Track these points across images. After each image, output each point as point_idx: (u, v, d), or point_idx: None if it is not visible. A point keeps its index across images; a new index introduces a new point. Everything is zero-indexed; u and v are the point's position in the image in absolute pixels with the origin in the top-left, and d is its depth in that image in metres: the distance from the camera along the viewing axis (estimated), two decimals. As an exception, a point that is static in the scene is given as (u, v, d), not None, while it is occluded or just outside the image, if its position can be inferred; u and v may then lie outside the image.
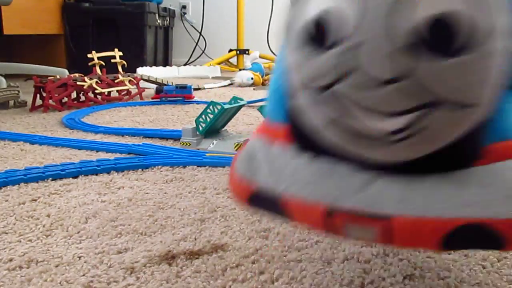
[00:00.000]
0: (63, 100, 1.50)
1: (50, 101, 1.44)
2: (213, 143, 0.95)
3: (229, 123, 1.08)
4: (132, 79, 1.67)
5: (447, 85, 0.25)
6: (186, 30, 3.77)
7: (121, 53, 1.71)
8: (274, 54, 3.43)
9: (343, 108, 0.27)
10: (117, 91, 1.62)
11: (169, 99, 1.60)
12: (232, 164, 0.35)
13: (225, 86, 2.23)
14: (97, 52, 1.63)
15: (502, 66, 0.26)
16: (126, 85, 1.62)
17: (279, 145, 0.33)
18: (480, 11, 0.24)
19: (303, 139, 0.32)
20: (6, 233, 0.55)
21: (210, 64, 3.01)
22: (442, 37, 0.24)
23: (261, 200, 0.33)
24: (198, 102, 1.64)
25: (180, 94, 1.61)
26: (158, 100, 1.61)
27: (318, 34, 0.26)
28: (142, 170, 0.81)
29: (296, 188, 0.31)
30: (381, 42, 0.24)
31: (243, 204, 0.35)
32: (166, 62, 3.29)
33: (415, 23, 0.24)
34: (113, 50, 1.71)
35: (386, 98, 0.25)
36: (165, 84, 1.87)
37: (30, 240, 0.53)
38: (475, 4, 0.24)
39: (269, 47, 3.48)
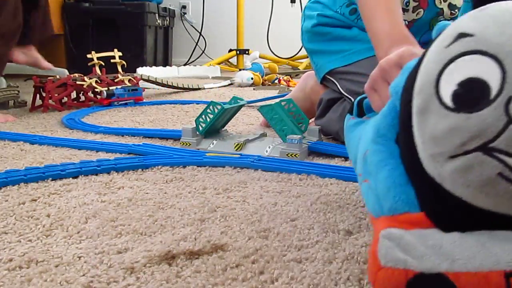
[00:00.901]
0: (63, 100, 1.50)
1: (50, 101, 1.44)
2: (213, 143, 0.96)
3: (229, 123, 1.08)
4: (132, 78, 1.67)
5: None
6: (186, 30, 3.77)
7: (120, 53, 1.71)
8: (274, 54, 3.44)
9: (503, 160, 0.28)
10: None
11: (120, 102, 1.52)
12: (372, 260, 0.35)
13: (225, 86, 2.23)
14: (97, 52, 1.63)
15: None
16: (126, 83, 1.62)
17: (419, 231, 0.34)
18: None
19: (447, 218, 0.33)
20: (6, 233, 0.55)
21: (210, 64, 3.01)
22: None
23: (424, 283, 0.33)
24: (198, 102, 1.64)
25: (131, 96, 1.55)
26: (109, 105, 1.50)
27: (467, 100, 0.29)
28: (142, 170, 0.81)
29: (462, 261, 0.31)
30: None
31: None
32: (166, 62, 3.29)
33: None
34: (112, 50, 1.71)
35: None
36: (163, 84, 1.87)
37: (30, 240, 0.53)
38: None
39: (269, 47, 3.48)
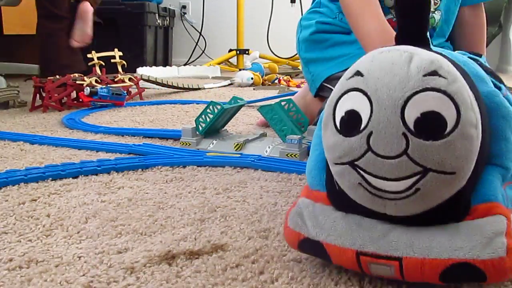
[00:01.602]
0: (63, 100, 1.50)
1: (50, 101, 1.44)
2: (213, 143, 0.96)
3: (229, 123, 1.08)
4: (133, 78, 1.67)
5: (431, 159, 0.37)
6: (186, 30, 3.77)
7: (121, 53, 1.71)
8: (274, 54, 3.44)
9: (362, 175, 0.39)
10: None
11: (99, 104, 1.46)
12: (286, 217, 0.47)
13: (225, 86, 2.23)
14: (97, 52, 1.63)
15: (474, 147, 0.38)
16: (126, 83, 1.62)
17: (320, 205, 0.45)
18: (453, 110, 0.37)
19: (337, 201, 0.44)
20: (6, 233, 0.55)
21: (210, 64, 3.01)
22: (428, 128, 0.37)
23: (308, 245, 0.44)
24: (198, 102, 1.64)
25: (113, 100, 1.49)
26: (87, 105, 1.45)
27: (346, 126, 0.40)
28: (142, 170, 0.81)
29: (333, 237, 0.42)
30: (386, 131, 0.37)
31: (294, 248, 0.46)
32: (166, 62, 3.29)
33: (410, 119, 0.37)
34: (113, 50, 1.71)
35: (390, 169, 0.38)
36: (163, 84, 1.87)
37: (30, 240, 0.53)
38: (450, 106, 0.37)
39: (269, 47, 3.48)
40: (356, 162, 0.39)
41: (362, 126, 0.38)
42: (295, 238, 0.45)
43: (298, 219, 0.45)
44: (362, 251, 0.41)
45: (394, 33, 0.74)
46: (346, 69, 1.09)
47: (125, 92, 1.49)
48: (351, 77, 0.40)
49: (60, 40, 1.85)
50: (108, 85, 1.44)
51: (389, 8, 0.99)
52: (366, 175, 0.39)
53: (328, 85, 1.03)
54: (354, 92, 0.39)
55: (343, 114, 0.40)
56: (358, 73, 0.40)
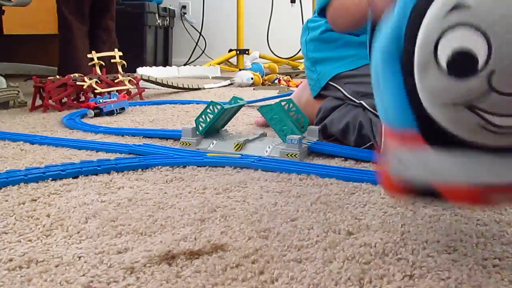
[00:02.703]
0: (63, 100, 1.50)
1: (50, 101, 1.44)
2: (213, 143, 0.96)
3: (229, 123, 1.08)
4: (132, 79, 1.67)
5: None
6: (186, 30, 3.77)
7: (121, 53, 1.71)
8: (274, 54, 3.43)
9: (481, 115, 0.37)
10: (117, 91, 1.62)
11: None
12: (381, 171, 0.45)
13: (225, 86, 2.23)
14: (97, 52, 1.63)
15: None
16: (126, 85, 1.62)
17: (417, 146, 0.42)
18: None
19: (435, 139, 0.41)
20: (6, 233, 0.55)
21: (210, 64, 3.01)
22: None
23: (418, 190, 0.43)
24: (198, 102, 1.64)
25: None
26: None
27: (458, 67, 0.36)
28: (142, 170, 0.81)
29: (447, 176, 0.40)
30: (507, 70, 0.34)
31: (401, 197, 0.46)
32: (166, 62, 3.29)
33: None
34: (113, 50, 1.71)
35: (508, 105, 0.35)
36: (163, 84, 1.87)
37: (30, 240, 0.53)
38: None
39: (269, 47, 3.48)
40: (474, 104, 0.36)
41: (480, 65, 0.35)
42: (401, 187, 0.43)
43: (400, 167, 0.43)
44: (483, 183, 0.39)
45: None
46: (354, 69, 1.08)
47: (126, 101, 1.47)
48: (451, 10, 0.36)
49: (80, 42, 1.86)
50: (111, 96, 1.42)
51: None
52: (487, 116, 0.36)
53: (334, 84, 1.03)
54: (461, 28, 0.35)
55: (450, 54, 0.36)
56: (460, 6, 0.35)
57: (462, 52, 0.35)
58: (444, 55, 0.36)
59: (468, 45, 0.35)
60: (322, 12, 0.96)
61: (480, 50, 0.34)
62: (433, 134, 0.41)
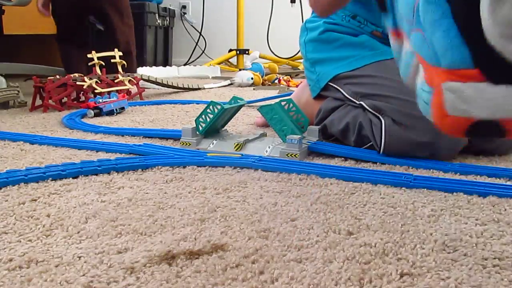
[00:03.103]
0: (63, 100, 1.50)
1: (50, 101, 1.44)
2: (213, 143, 0.96)
3: (229, 123, 1.08)
4: (132, 79, 1.67)
5: None
6: (186, 30, 3.77)
7: (121, 53, 1.71)
8: (274, 54, 3.44)
9: None
10: (117, 91, 1.62)
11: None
12: (438, 109, 0.43)
13: (225, 86, 2.23)
14: (96, 52, 1.63)
15: None
16: (126, 85, 1.62)
17: (474, 84, 0.41)
18: None
19: (498, 74, 0.40)
20: (6, 233, 0.55)
21: (210, 64, 3.01)
22: None
23: (482, 128, 0.42)
24: (198, 102, 1.64)
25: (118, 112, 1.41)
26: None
27: None
28: (142, 170, 0.81)
29: (510, 111, 0.40)
30: None
31: (459, 135, 0.44)
32: (166, 62, 3.29)
33: None
34: (113, 50, 1.71)
35: None
36: (163, 84, 1.87)
37: (30, 240, 0.53)
38: None
39: (269, 47, 3.48)
40: None
41: None
42: (463, 125, 0.42)
43: (460, 104, 0.41)
44: None
45: None
46: (354, 69, 1.08)
47: (126, 101, 1.47)
48: None
49: (79, 55, 1.91)
50: (110, 96, 1.41)
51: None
52: None
53: (334, 85, 1.03)
54: None
55: None
56: None
57: None
58: None
59: None
60: None
61: None
62: (497, 70, 0.40)
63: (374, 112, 0.90)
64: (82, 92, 1.55)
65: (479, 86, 0.41)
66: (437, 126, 0.44)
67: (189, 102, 1.65)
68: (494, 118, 0.41)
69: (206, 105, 0.96)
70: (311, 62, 1.10)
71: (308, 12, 3.39)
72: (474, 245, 0.53)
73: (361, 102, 0.95)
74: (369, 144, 0.92)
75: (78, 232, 0.55)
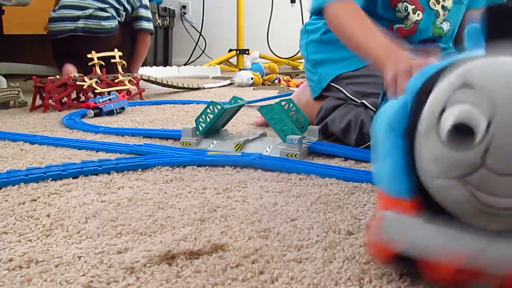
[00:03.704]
0: (63, 100, 1.50)
1: (50, 101, 1.44)
2: (213, 143, 0.96)
3: (229, 123, 1.08)
4: (132, 79, 1.67)
5: None
6: (186, 30, 3.77)
7: (121, 53, 1.71)
8: (274, 54, 3.43)
9: (472, 192, 0.37)
10: (117, 91, 1.62)
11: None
12: (372, 231, 0.45)
13: (225, 86, 2.23)
14: (96, 52, 1.63)
15: None
16: (126, 85, 1.62)
17: (410, 215, 0.43)
18: None
19: (428, 211, 0.42)
20: (6, 233, 0.55)
21: (210, 64, 3.01)
22: None
23: (400, 262, 0.43)
24: (198, 102, 1.64)
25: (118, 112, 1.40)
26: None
27: (455, 140, 0.37)
28: (142, 170, 0.81)
29: (429, 254, 0.41)
30: (508, 148, 0.35)
31: (386, 263, 0.45)
32: (166, 62, 3.29)
33: None
34: (112, 50, 1.71)
35: (507, 186, 0.36)
36: (163, 84, 1.86)
37: (30, 240, 0.53)
38: None
39: (269, 47, 3.48)
40: (466, 178, 0.37)
41: (477, 140, 0.36)
42: (388, 254, 0.43)
43: (388, 234, 0.43)
44: (461, 269, 0.39)
45: (390, 43, 0.80)
46: (355, 69, 1.09)
47: (126, 100, 1.47)
48: (458, 88, 0.38)
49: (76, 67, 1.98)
50: (110, 96, 1.41)
51: (402, 20, 1.03)
52: (476, 192, 0.37)
53: (336, 85, 1.03)
54: (464, 106, 0.37)
55: (450, 127, 0.37)
56: (467, 86, 0.38)
57: (462, 125, 0.36)
58: (445, 125, 0.38)
59: (468, 121, 0.36)
60: (317, 13, 0.98)
61: (478, 125, 0.36)
62: (427, 205, 0.42)
63: (376, 109, 0.91)
64: (82, 92, 1.55)
65: (408, 220, 0.42)
66: (370, 251, 0.47)
67: (189, 102, 1.65)
68: (412, 255, 0.41)
69: (206, 105, 0.96)
70: (312, 64, 1.11)
71: (307, 13, 3.39)
72: (474, 245, 0.53)
73: (363, 101, 0.95)
74: (369, 143, 0.92)
75: (78, 232, 0.55)
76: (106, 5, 2.03)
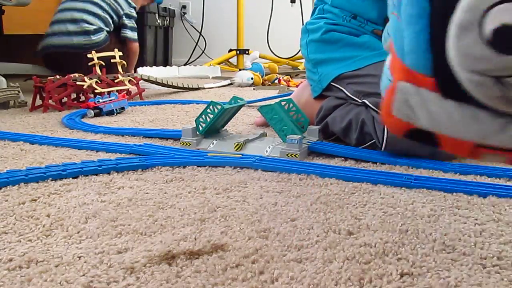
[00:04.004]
0: (63, 100, 1.50)
1: (50, 101, 1.44)
2: (213, 143, 0.96)
3: (229, 123, 1.08)
4: (132, 79, 1.67)
5: None
6: (186, 30, 3.77)
7: (121, 53, 1.71)
8: (274, 54, 3.43)
9: (507, 90, 0.36)
10: (117, 91, 1.62)
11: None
12: (387, 104, 0.44)
13: (225, 86, 2.23)
14: (96, 52, 1.63)
15: None
16: (126, 85, 1.62)
17: (426, 92, 0.41)
18: None
19: (449, 89, 0.40)
20: (6, 233, 0.55)
21: (210, 64, 3.01)
22: None
23: (418, 135, 0.43)
24: (198, 102, 1.64)
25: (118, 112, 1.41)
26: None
27: (502, 41, 0.35)
28: (142, 170, 0.81)
29: (449, 129, 0.41)
30: None
31: (398, 135, 0.45)
32: (166, 62, 3.29)
33: None
34: (112, 50, 1.71)
35: None
36: (163, 84, 1.87)
37: (30, 240, 0.53)
38: None
39: (269, 47, 3.48)
40: (506, 79, 0.36)
41: None
42: (402, 128, 0.43)
43: (406, 108, 0.42)
44: (480, 143, 0.40)
45: None
46: (356, 69, 1.10)
47: (126, 100, 1.47)
48: None
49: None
50: (110, 96, 1.41)
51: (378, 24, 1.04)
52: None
53: (336, 85, 1.03)
54: None
55: (498, 26, 0.35)
56: None
57: (510, 27, 0.34)
58: (491, 25, 0.35)
59: None
60: None
61: None
62: (448, 86, 0.40)
63: (376, 109, 0.91)
64: (82, 92, 1.55)
65: (428, 96, 0.42)
66: (382, 121, 0.45)
67: (189, 102, 1.65)
68: (432, 130, 0.42)
69: (206, 105, 0.96)
70: (313, 63, 1.11)
71: (308, 12, 3.40)
72: (473, 244, 0.53)
73: (364, 100, 0.95)
74: (370, 143, 0.92)
75: (78, 232, 0.55)
76: (93, 17, 2.08)
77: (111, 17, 2.16)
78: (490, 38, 0.35)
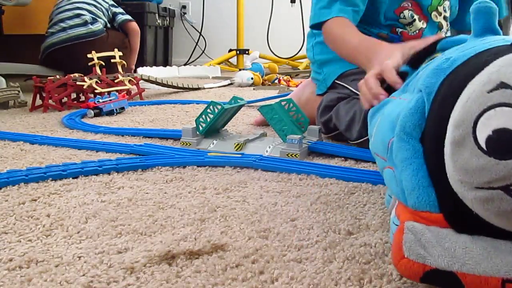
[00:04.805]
0: (63, 100, 1.50)
1: (50, 101, 1.44)
2: (213, 143, 0.96)
3: (229, 123, 1.08)
4: (132, 79, 1.67)
5: None
6: (186, 30, 3.77)
7: (121, 53, 1.71)
8: (274, 54, 3.43)
9: None
10: (117, 91, 1.62)
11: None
12: (396, 247, 0.41)
13: (225, 86, 2.23)
14: (96, 52, 1.63)
15: None
16: (126, 85, 1.62)
17: (437, 229, 0.40)
18: None
19: (460, 223, 0.39)
20: (6, 233, 0.55)
21: (210, 64, 3.01)
22: None
23: (437, 277, 0.39)
24: (198, 102, 1.64)
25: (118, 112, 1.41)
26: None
27: (498, 147, 0.34)
28: (142, 170, 0.81)
29: (470, 265, 0.38)
30: None
31: (415, 280, 0.41)
32: (166, 62, 3.29)
33: None
34: (112, 50, 1.71)
35: None
36: (163, 84, 1.87)
37: (30, 240, 0.53)
38: None
39: (269, 47, 3.48)
40: None
41: None
42: (419, 270, 0.40)
43: (418, 248, 0.40)
44: (509, 278, 0.37)
45: (375, 40, 0.84)
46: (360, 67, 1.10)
47: (126, 100, 1.47)
48: (494, 89, 0.35)
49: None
50: (110, 96, 1.41)
51: (404, 25, 1.06)
52: None
53: (341, 82, 1.05)
54: (504, 108, 0.34)
55: (491, 133, 0.34)
56: (505, 85, 0.34)
57: (504, 130, 0.34)
58: (483, 133, 0.34)
59: (510, 125, 0.33)
60: (315, 28, 1.03)
61: None
62: (458, 218, 0.39)
63: None
64: (82, 92, 1.55)
65: (440, 232, 0.40)
66: (395, 267, 0.42)
67: (189, 102, 1.65)
68: (451, 270, 0.38)
69: (206, 105, 0.96)
70: (318, 64, 1.12)
71: (308, 12, 3.39)
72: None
73: None
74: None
75: (78, 232, 0.55)
76: (88, 7, 2.15)
77: (102, 12, 2.22)
78: (486, 147, 0.34)
